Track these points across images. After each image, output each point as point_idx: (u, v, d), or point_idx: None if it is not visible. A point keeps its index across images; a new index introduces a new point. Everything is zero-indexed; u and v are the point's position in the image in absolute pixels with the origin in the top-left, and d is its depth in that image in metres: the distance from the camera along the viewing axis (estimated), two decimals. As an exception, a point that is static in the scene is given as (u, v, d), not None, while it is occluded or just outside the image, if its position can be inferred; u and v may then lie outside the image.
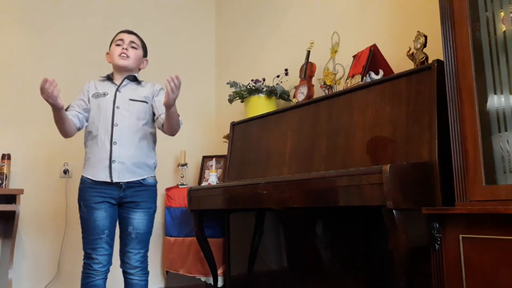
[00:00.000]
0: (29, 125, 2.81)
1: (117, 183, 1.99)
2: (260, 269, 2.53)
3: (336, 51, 2.38)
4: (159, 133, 2.17)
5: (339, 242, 2.13)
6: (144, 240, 2.05)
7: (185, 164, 3.20)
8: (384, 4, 2.36)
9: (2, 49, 2.82)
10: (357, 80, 2.12)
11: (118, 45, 2.11)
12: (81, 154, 2.76)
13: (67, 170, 2.92)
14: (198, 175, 3.28)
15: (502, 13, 1.47)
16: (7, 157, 2.59)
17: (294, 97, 2.59)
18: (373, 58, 2.12)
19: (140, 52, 2.16)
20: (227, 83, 2.90)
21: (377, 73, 2.07)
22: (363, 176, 1.57)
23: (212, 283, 2.62)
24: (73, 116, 2.03)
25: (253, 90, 2.77)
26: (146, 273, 2.07)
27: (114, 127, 2.02)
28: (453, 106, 1.50)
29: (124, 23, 2.59)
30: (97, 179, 1.99)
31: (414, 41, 1.96)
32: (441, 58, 1.58)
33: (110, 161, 1.98)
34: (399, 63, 2.12)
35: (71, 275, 2.80)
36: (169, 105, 1.88)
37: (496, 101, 1.45)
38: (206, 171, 3.16)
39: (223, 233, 2.70)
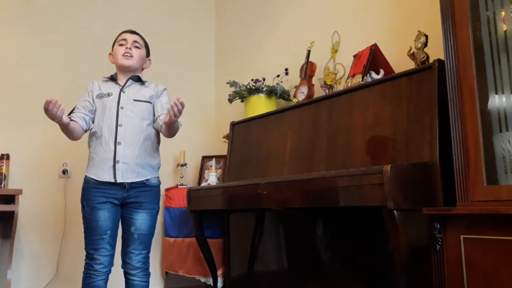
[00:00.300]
0: (28, 125, 2.80)
1: (121, 184, 1.99)
2: (260, 269, 2.53)
3: (336, 51, 2.37)
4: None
5: (339, 243, 2.12)
6: (146, 241, 2.05)
7: (185, 164, 3.19)
8: (385, 4, 2.36)
9: (1, 49, 2.81)
10: (357, 79, 2.11)
11: (121, 45, 2.11)
12: (80, 154, 2.76)
13: (66, 170, 2.91)
14: (197, 175, 3.27)
15: (503, 13, 1.46)
16: (5, 157, 2.58)
17: (294, 97, 2.58)
18: (373, 58, 2.12)
19: (143, 51, 2.16)
20: (227, 83, 2.89)
21: (377, 73, 2.06)
22: (363, 176, 1.56)
23: (212, 284, 2.61)
24: (79, 118, 2.03)
25: (253, 90, 2.76)
26: (148, 274, 2.06)
27: (119, 128, 2.02)
28: (454, 106, 1.49)
29: (124, 23, 2.58)
30: (101, 179, 1.99)
31: (415, 40, 1.96)
32: (442, 57, 1.58)
33: (114, 161, 1.98)
34: (400, 62, 2.11)
35: (70, 275, 2.79)
36: (170, 124, 1.93)
37: (497, 101, 1.45)
38: (206, 171, 3.15)
39: (223, 233, 2.70)
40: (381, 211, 1.51)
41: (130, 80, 2.12)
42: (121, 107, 2.05)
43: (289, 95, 2.75)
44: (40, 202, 2.81)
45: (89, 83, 2.14)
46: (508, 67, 1.42)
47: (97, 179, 1.99)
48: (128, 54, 2.09)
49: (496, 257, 1.31)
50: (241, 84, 2.84)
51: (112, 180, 1.98)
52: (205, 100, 3.58)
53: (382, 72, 2.07)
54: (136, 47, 2.13)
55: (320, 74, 2.45)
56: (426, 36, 1.91)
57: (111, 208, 1.99)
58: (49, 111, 1.78)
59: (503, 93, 1.44)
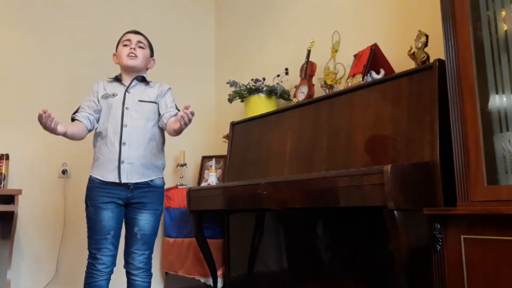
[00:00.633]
0: (28, 125, 2.79)
1: (125, 184, 1.99)
2: (260, 270, 2.52)
3: (336, 50, 2.37)
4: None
5: (339, 243, 2.12)
6: (149, 242, 2.05)
7: (185, 164, 3.18)
8: (385, 3, 2.36)
9: (1, 49, 2.81)
10: (358, 79, 2.11)
11: (125, 45, 2.11)
12: (80, 154, 2.76)
13: (66, 170, 2.90)
14: (197, 176, 3.27)
15: (503, 12, 1.46)
16: (5, 157, 2.58)
17: (294, 96, 2.58)
18: (374, 58, 2.11)
19: (147, 51, 2.17)
20: (227, 83, 2.89)
21: (378, 73, 2.06)
22: (364, 177, 1.56)
23: (212, 285, 2.61)
24: (83, 118, 2.04)
25: (253, 90, 2.76)
26: (150, 275, 2.06)
27: (124, 128, 2.02)
28: (454, 106, 1.49)
29: (124, 23, 2.58)
30: (105, 180, 1.99)
31: (415, 40, 1.95)
32: (443, 57, 1.58)
33: (119, 161, 1.98)
34: (400, 62, 2.11)
35: (70, 275, 2.79)
36: (179, 131, 1.91)
37: (497, 101, 1.45)
38: (206, 171, 3.15)
39: (223, 233, 2.69)
40: (381, 211, 1.50)
41: (134, 80, 2.12)
42: (126, 108, 2.05)
43: (289, 95, 2.75)
44: (40, 202, 2.81)
45: (94, 83, 2.15)
46: (509, 67, 1.42)
47: (102, 179, 1.99)
48: (133, 55, 2.09)
49: (496, 257, 1.31)
50: (241, 84, 2.84)
51: (117, 181, 1.98)
52: (205, 100, 3.58)
53: (382, 72, 2.06)
54: (140, 47, 2.13)
55: (320, 74, 2.45)
56: (427, 36, 1.91)
57: (115, 208, 2.00)
58: (43, 123, 1.80)
59: (503, 93, 1.44)
